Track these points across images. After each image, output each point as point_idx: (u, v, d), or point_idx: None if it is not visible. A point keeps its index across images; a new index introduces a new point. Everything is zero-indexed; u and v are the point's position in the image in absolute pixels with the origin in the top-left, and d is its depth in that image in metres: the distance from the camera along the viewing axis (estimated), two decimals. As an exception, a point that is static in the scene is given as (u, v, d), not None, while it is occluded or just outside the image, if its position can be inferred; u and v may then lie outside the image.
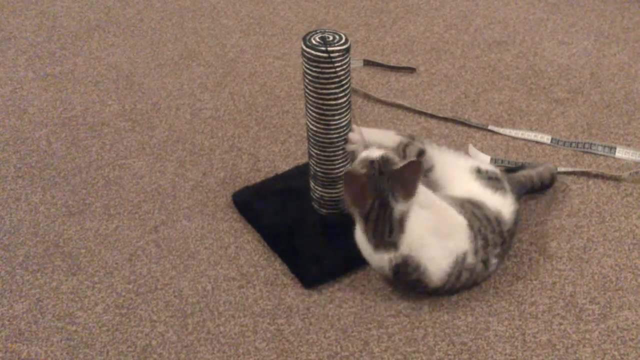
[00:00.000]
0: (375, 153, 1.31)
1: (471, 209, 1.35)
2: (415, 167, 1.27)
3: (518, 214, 1.40)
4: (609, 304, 1.36)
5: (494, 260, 1.35)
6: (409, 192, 1.28)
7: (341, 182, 1.41)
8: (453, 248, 1.30)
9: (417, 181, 1.28)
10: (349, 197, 1.30)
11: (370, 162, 1.29)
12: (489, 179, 1.41)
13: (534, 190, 1.55)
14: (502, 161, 1.68)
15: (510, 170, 1.60)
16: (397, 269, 1.30)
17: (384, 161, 1.29)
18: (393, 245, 1.29)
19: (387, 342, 1.31)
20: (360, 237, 1.33)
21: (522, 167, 1.61)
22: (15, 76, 2.08)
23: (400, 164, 1.28)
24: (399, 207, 1.28)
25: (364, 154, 1.33)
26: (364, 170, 1.28)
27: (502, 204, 1.37)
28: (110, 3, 2.43)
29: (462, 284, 1.34)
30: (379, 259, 1.31)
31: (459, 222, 1.32)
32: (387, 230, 1.28)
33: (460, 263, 1.31)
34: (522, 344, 1.29)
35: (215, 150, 1.77)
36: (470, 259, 1.31)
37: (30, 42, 2.23)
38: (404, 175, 1.27)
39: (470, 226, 1.32)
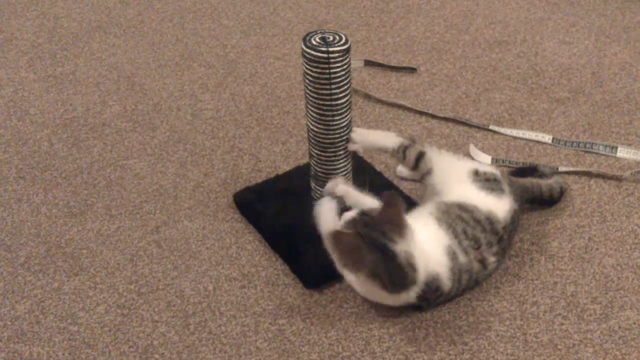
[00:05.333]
0: (349, 214, 1.28)
1: (457, 212, 1.34)
2: (393, 200, 1.24)
3: (515, 213, 1.39)
4: (610, 303, 1.36)
5: (492, 259, 1.35)
6: (400, 227, 1.24)
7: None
8: (441, 244, 1.31)
9: (402, 213, 1.25)
10: (347, 263, 1.24)
11: (350, 222, 1.26)
12: (486, 181, 1.41)
13: (542, 201, 1.53)
14: (510, 162, 1.68)
15: (520, 171, 1.60)
16: (423, 295, 1.28)
17: (363, 215, 1.26)
18: (413, 283, 1.26)
19: (389, 342, 1.31)
20: (370, 289, 1.28)
21: (534, 168, 1.60)
22: (16, 77, 2.08)
23: (378, 207, 1.25)
24: (400, 248, 1.24)
25: (339, 222, 1.28)
26: (349, 231, 1.24)
27: (495, 204, 1.37)
28: (111, 4, 2.43)
29: (464, 286, 1.34)
30: (401, 298, 1.29)
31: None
32: (402, 277, 1.24)
33: (452, 257, 1.30)
34: (523, 344, 1.29)
35: (216, 150, 1.77)
36: (461, 258, 1.31)
37: (32, 43, 2.23)
38: (388, 213, 1.24)
39: (449, 227, 1.32)
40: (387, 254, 1.23)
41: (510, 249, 1.44)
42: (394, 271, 1.23)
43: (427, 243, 1.28)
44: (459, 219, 1.34)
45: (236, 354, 1.30)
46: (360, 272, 1.24)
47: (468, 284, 1.34)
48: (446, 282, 1.30)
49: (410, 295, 1.28)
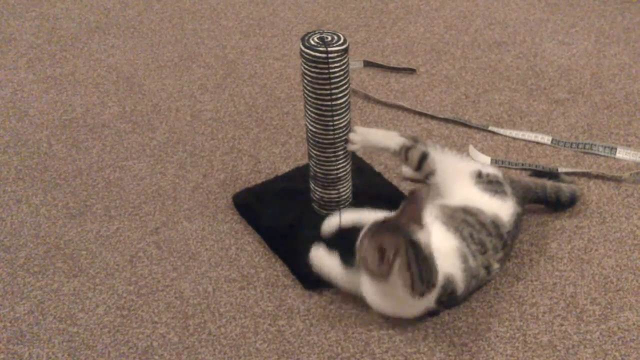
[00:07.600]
0: (370, 223, 1.25)
1: (462, 216, 1.33)
2: (414, 197, 1.22)
3: (518, 217, 1.39)
4: (609, 304, 1.36)
5: (496, 265, 1.34)
6: (419, 223, 1.21)
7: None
8: (452, 246, 1.29)
9: (422, 211, 1.22)
10: (380, 262, 1.19)
11: (375, 226, 1.22)
12: (489, 183, 1.40)
13: (548, 202, 1.52)
14: (510, 162, 1.68)
15: (537, 174, 1.60)
16: (440, 298, 1.26)
17: (384, 221, 1.23)
18: (433, 285, 1.23)
19: (388, 342, 1.31)
20: (394, 299, 1.25)
21: (556, 176, 1.58)
22: (15, 78, 2.08)
23: (401, 206, 1.23)
24: (422, 239, 1.20)
25: (366, 225, 1.25)
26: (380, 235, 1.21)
27: (499, 207, 1.36)
28: (110, 5, 2.43)
29: (470, 291, 1.34)
30: (422, 304, 1.26)
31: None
32: (428, 272, 1.21)
33: (464, 259, 1.28)
34: (523, 345, 1.29)
35: (215, 151, 1.77)
36: (471, 262, 1.30)
37: (31, 44, 2.23)
38: (409, 209, 1.22)
39: (456, 230, 1.30)
40: (414, 245, 1.19)
41: (511, 253, 1.43)
42: (422, 264, 1.19)
43: (438, 245, 1.25)
44: (465, 223, 1.32)
45: (236, 355, 1.30)
46: (392, 269, 1.19)
47: (473, 290, 1.34)
48: (460, 285, 1.28)
49: (430, 299, 1.25)
